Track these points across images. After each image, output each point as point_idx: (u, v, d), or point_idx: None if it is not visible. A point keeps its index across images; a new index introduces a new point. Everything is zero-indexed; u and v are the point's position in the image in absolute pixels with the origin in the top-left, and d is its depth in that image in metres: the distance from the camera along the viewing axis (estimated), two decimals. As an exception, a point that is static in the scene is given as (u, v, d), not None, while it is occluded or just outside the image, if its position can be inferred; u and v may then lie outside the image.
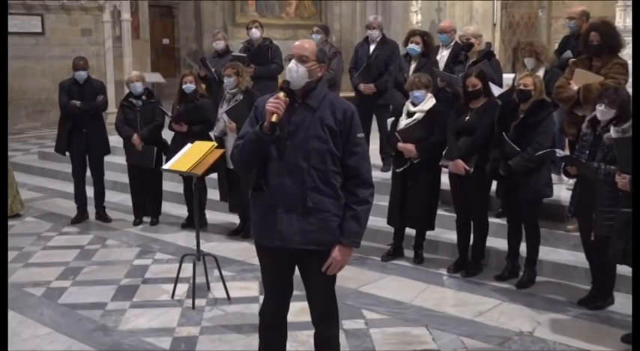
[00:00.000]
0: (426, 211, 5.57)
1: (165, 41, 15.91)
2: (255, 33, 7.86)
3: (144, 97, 6.82)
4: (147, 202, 7.05)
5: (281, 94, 2.93)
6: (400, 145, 5.52)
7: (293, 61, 3.00)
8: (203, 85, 7.32)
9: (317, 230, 3.01)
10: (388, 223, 5.79)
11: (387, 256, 5.81)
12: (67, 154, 7.10)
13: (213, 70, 7.84)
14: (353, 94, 7.59)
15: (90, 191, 7.27)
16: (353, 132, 3.01)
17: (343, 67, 7.85)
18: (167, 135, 6.87)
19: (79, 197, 7.21)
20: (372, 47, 7.36)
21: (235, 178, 6.19)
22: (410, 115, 5.58)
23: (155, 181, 6.94)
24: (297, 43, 3.10)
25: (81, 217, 7.21)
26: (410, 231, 5.81)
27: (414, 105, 5.57)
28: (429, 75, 5.74)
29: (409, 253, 5.82)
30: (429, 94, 5.57)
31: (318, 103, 3.00)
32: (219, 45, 8.11)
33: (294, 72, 2.99)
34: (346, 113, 3.01)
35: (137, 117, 6.75)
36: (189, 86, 6.55)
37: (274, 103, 2.88)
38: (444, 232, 5.94)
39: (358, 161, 3.03)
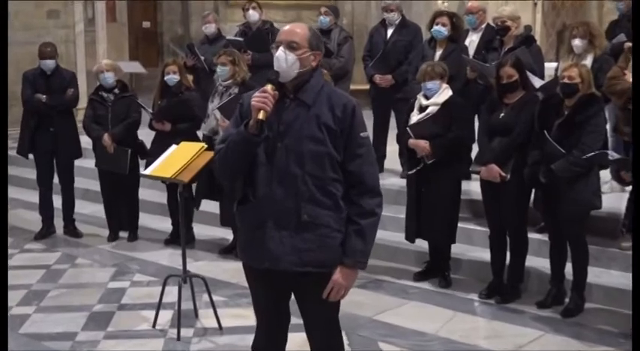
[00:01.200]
0: (443, 221, 5.58)
1: (146, 25, 15.99)
2: (253, 15, 7.92)
3: (116, 91, 6.87)
4: (122, 214, 7.09)
5: (269, 87, 2.92)
6: (411, 141, 5.55)
7: (281, 48, 3.00)
8: (190, 77, 7.38)
9: (314, 249, 2.99)
10: (406, 238, 5.82)
11: (420, 276, 5.84)
12: (31, 157, 7.15)
13: (202, 58, 7.89)
14: (367, 86, 7.63)
15: (57, 201, 7.31)
16: (355, 131, 3.00)
17: (355, 55, 7.88)
18: (147, 135, 6.91)
19: (45, 208, 7.25)
20: (389, 31, 7.39)
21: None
22: (422, 109, 5.61)
23: (130, 189, 6.99)
24: (285, 27, 3.10)
25: (46, 232, 7.26)
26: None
27: (427, 98, 5.60)
28: (450, 63, 5.77)
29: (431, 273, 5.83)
30: (444, 85, 5.60)
31: (313, 98, 3.00)
32: (210, 29, 8.17)
33: (283, 61, 2.97)
34: (346, 109, 3.00)
35: (108, 114, 6.81)
36: (172, 77, 6.60)
37: (260, 98, 2.89)
38: (475, 249, 5.93)
39: (362, 165, 3.01)
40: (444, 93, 5.58)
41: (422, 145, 5.48)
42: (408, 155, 5.67)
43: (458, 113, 5.52)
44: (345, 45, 7.55)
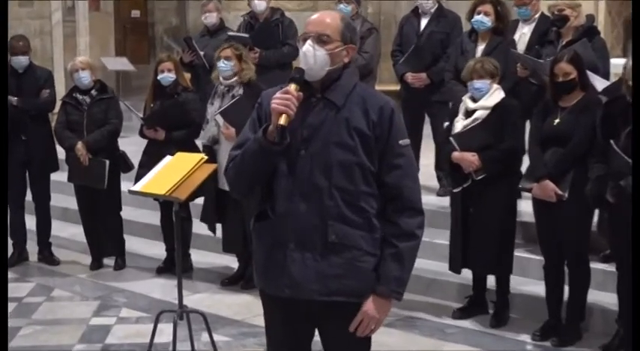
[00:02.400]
0: (496, 248, 5.57)
1: (136, 14, 16.12)
2: (260, 4, 7.96)
3: (94, 92, 6.95)
4: (106, 237, 7.13)
5: (292, 87, 2.95)
6: (456, 154, 5.55)
7: (309, 41, 3.02)
8: (187, 75, 7.44)
9: (342, 275, 3.02)
10: (450, 267, 5.82)
11: (460, 313, 5.84)
12: (7, 171, 7.21)
13: (201, 53, 7.96)
14: (397, 86, 7.65)
15: (31, 222, 7.37)
16: (393, 137, 3.03)
17: (380, 50, 7.90)
18: (137, 144, 6.96)
19: (16, 230, 7.31)
20: (423, 22, 7.44)
21: (232, 204, 6.24)
22: (469, 114, 5.62)
23: (110, 208, 7.04)
24: (314, 16, 3.12)
25: (18, 258, 7.32)
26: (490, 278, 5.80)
27: (475, 100, 5.62)
28: (501, 59, 5.78)
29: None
30: (495, 85, 5.62)
31: (343, 99, 3.04)
32: (210, 19, 8.25)
33: (311, 57, 3.00)
34: (383, 111, 3.03)
35: (84, 119, 6.87)
36: (167, 76, 6.67)
37: (283, 100, 2.92)
38: (527, 282, 5.93)
39: (401, 178, 3.04)
40: (495, 94, 5.59)
41: (469, 158, 5.48)
42: (451, 170, 5.68)
43: (512, 119, 5.52)
44: (369, 38, 7.55)
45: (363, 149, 3.00)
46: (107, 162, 6.75)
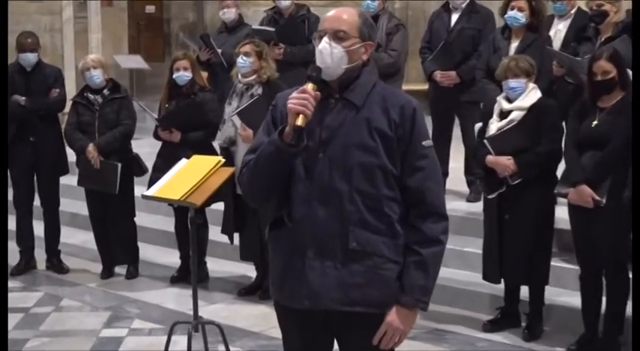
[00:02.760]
0: (531, 257, 5.56)
1: (150, 9, 16.17)
2: (286, 2, 7.97)
3: (106, 92, 6.99)
4: (118, 244, 7.16)
5: (309, 87, 2.98)
6: (490, 158, 5.54)
7: (325, 39, 3.06)
8: (204, 74, 7.47)
9: (364, 284, 3.03)
10: (484, 277, 5.81)
11: (491, 325, 5.82)
12: (7, 173, 7.27)
13: (219, 51, 7.98)
14: (425, 85, 7.65)
15: (39, 228, 7.41)
16: (416, 138, 3.05)
17: (408, 47, 7.90)
18: (151, 146, 6.99)
19: (23, 237, 7.36)
20: (454, 17, 7.45)
21: (250, 211, 6.26)
22: (504, 115, 5.61)
23: (124, 214, 7.07)
24: (330, 12, 3.15)
25: (25, 267, 7.37)
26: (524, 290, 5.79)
27: (510, 101, 5.60)
28: (535, 57, 5.76)
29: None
30: (532, 85, 5.60)
31: (363, 98, 3.06)
32: (229, 15, 8.27)
33: (327, 55, 3.03)
34: (405, 111, 3.06)
35: (95, 120, 6.91)
36: (183, 75, 6.70)
37: (299, 100, 2.94)
38: (562, 292, 5.91)
39: (424, 181, 3.06)
40: (532, 94, 5.58)
41: (504, 162, 5.48)
42: (486, 175, 5.67)
43: (549, 120, 5.50)
44: (396, 34, 7.57)
45: (385, 151, 3.02)
46: (119, 165, 6.79)
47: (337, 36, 3.05)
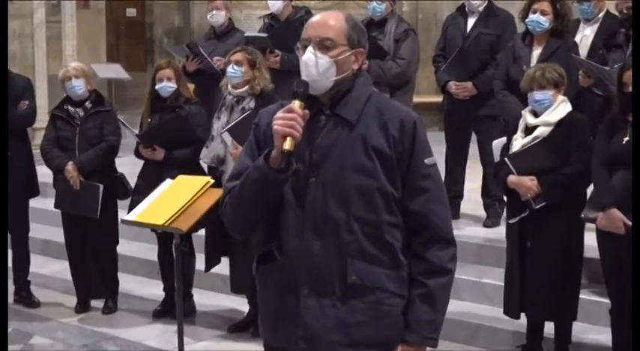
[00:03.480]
0: (557, 289, 5.55)
1: (131, 13, 16.20)
2: (273, 4, 7.96)
3: (88, 104, 6.98)
4: (95, 275, 7.12)
5: (296, 104, 2.97)
6: (512, 178, 5.54)
7: (309, 48, 3.07)
8: (190, 86, 7.47)
9: (366, 321, 3.03)
10: (505, 311, 5.81)
11: None
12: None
13: (210, 60, 7.97)
14: (438, 98, 7.65)
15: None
16: (417, 156, 3.06)
17: (419, 55, 7.89)
18: (133, 165, 6.99)
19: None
20: (470, 22, 7.47)
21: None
22: (529, 131, 5.61)
23: (105, 241, 7.03)
24: (313, 18, 3.14)
25: (-9, 299, 7.34)
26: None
27: (536, 115, 5.61)
28: (560, 66, 5.77)
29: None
30: (561, 97, 5.61)
31: (357, 114, 3.07)
32: (218, 18, 8.29)
33: (313, 67, 3.04)
34: (404, 125, 3.06)
35: (76, 135, 6.91)
36: (167, 86, 6.70)
37: (286, 121, 2.93)
38: (591, 329, 5.92)
39: (427, 204, 3.06)
40: (560, 108, 5.57)
41: (527, 183, 5.47)
42: (507, 197, 5.66)
43: (579, 137, 5.48)
44: (405, 41, 7.55)
45: (384, 171, 3.03)
46: (101, 187, 6.74)
47: (323, 44, 3.06)
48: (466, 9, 7.50)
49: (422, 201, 3.05)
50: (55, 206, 7.07)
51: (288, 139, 2.92)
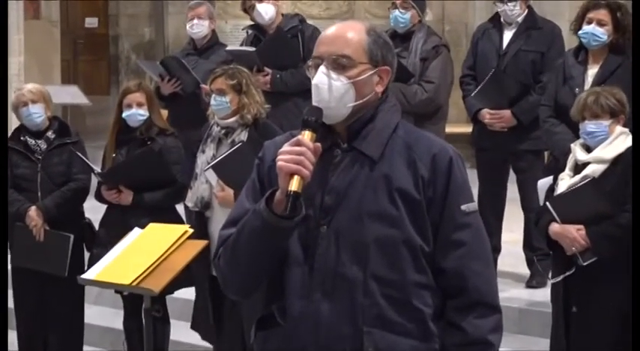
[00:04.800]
0: None
1: (92, 23, 16.28)
2: (265, 12, 7.94)
3: (50, 135, 6.97)
4: (51, 345, 7.09)
5: (306, 136, 2.96)
6: (555, 228, 5.56)
7: (322, 68, 3.07)
8: (164, 112, 7.46)
9: None
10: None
11: None
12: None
13: (194, 76, 7.92)
14: (468, 128, 7.67)
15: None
16: (453, 200, 3.06)
17: (452, 78, 7.84)
18: (92, 211, 7.00)
19: None
20: (507, 35, 7.50)
21: (229, 302, 6.23)
22: (579, 169, 5.60)
23: (70, 304, 6.99)
24: (328, 31, 3.14)
25: None
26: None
27: (588, 150, 5.62)
28: (620, 89, 5.77)
29: None
30: (619, 128, 5.59)
31: (380, 148, 3.07)
32: (199, 29, 8.28)
33: (326, 90, 3.04)
34: (438, 162, 3.06)
35: (38, 174, 6.91)
36: (136, 113, 6.69)
37: (293, 156, 2.92)
38: None
39: (465, 261, 3.06)
40: (618, 142, 5.53)
41: (572, 234, 5.47)
42: (550, 251, 5.67)
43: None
44: (435, 60, 7.55)
45: (412, 220, 3.01)
46: (71, 237, 6.71)
47: (338, 63, 3.05)
48: (501, 19, 7.52)
49: (458, 257, 3.05)
50: (12, 262, 6.99)
51: (296, 178, 2.90)
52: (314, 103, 3.04)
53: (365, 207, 3.01)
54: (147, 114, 6.70)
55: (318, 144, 2.97)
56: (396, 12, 7.56)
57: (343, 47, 3.06)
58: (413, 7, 7.59)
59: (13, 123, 7.25)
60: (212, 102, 6.28)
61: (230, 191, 6.01)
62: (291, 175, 2.90)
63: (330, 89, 3.03)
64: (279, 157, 2.93)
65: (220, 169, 6.08)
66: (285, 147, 2.95)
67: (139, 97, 6.71)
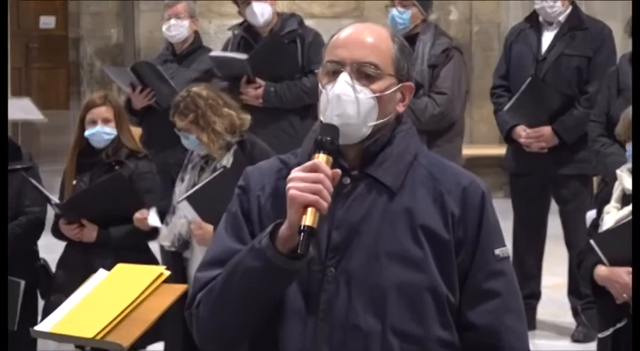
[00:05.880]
0: None
1: (48, 23, 16.29)
2: (261, 12, 7.92)
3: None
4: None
5: (321, 159, 2.92)
6: (602, 271, 5.57)
7: (344, 76, 3.03)
8: (136, 131, 7.47)
9: None
10: None
11: None
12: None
13: (171, 84, 7.91)
14: (500, 149, 7.67)
15: None
16: (485, 243, 3.05)
17: (469, 86, 7.82)
18: (47, 250, 7.01)
19: None
20: (547, 38, 7.54)
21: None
22: (627, 199, 5.61)
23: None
24: (347, 31, 3.10)
25: None
26: None
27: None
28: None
29: None
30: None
31: (400, 177, 3.06)
32: (178, 30, 8.26)
33: (351, 103, 3.01)
34: (468, 196, 3.07)
35: None
36: (102, 132, 6.71)
37: (308, 182, 2.88)
38: None
39: (497, 315, 3.06)
40: None
41: (622, 278, 5.49)
42: (596, 298, 5.70)
43: None
44: (446, 66, 7.59)
45: (437, 264, 3.00)
46: (22, 283, 6.70)
47: (364, 72, 3.02)
48: (540, 19, 7.53)
49: (490, 310, 3.04)
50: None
51: (310, 210, 2.85)
52: (327, 120, 3.01)
53: (383, 245, 2.98)
54: (114, 132, 6.69)
55: (338, 170, 2.93)
56: (394, 11, 7.61)
57: (369, 54, 3.04)
58: (414, 5, 7.64)
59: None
60: (182, 140, 6.31)
61: (209, 228, 6.00)
62: (306, 206, 2.86)
63: (356, 102, 3.01)
64: (291, 184, 2.88)
65: (197, 201, 6.06)
66: (298, 173, 2.90)
67: (105, 111, 6.70)
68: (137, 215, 6.10)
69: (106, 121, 6.68)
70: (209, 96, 6.36)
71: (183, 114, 6.29)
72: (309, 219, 2.84)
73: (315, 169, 2.88)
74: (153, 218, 6.26)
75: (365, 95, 3.00)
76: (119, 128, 6.72)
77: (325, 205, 2.85)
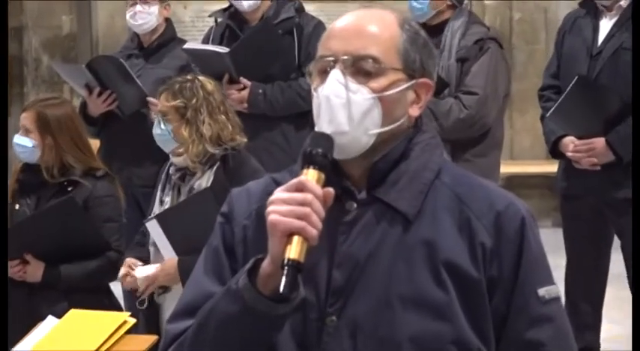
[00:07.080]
0: None
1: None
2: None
3: None
4: None
5: (310, 176, 2.90)
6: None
7: (336, 71, 3.04)
8: (95, 142, 7.48)
9: None
10: None
11: None
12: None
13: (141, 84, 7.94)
14: (549, 167, 7.68)
15: None
16: (527, 282, 3.05)
17: (509, 86, 7.84)
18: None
19: None
20: (604, 26, 7.54)
21: None
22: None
23: None
24: (343, 19, 3.12)
25: None
26: None
27: None
28: None
29: None
30: None
31: (417, 200, 3.06)
32: (144, 18, 8.29)
33: (340, 106, 3.00)
34: (504, 223, 3.05)
35: None
36: (16, 143, 6.69)
37: (294, 204, 2.85)
38: None
39: None
40: None
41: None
42: None
43: None
44: (479, 60, 7.60)
45: (466, 310, 2.99)
46: None
47: (360, 67, 3.02)
48: (597, 5, 7.48)
49: None
50: None
51: (296, 239, 2.80)
52: (319, 128, 2.98)
53: (396, 288, 2.98)
54: (31, 145, 6.66)
55: (330, 189, 2.88)
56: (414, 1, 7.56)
57: (368, 44, 3.04)
58: None
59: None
60: (155, 131, 6.25)
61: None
62: (290, 235, 2.81)
63: (347, 105, 2.98)
64: (271, 208, 2.83)
65: (168, 223, 6.03)
66: (280, 193, 2.86)
67: (24, 118, 6.73)
68: (122, 272, 6.08)
69: (26, 132, 6.68)
70: (213, 92, 6.34)
71: (174, 95, 6.27)
72: (294, 251, 2.79)
73: (301, 188, 2.84)
74: (141, 271, 6.21)
75: (362, 95, 2.98)
76: (47, 141, 6.64)
77: (314, 232, 2.80)
